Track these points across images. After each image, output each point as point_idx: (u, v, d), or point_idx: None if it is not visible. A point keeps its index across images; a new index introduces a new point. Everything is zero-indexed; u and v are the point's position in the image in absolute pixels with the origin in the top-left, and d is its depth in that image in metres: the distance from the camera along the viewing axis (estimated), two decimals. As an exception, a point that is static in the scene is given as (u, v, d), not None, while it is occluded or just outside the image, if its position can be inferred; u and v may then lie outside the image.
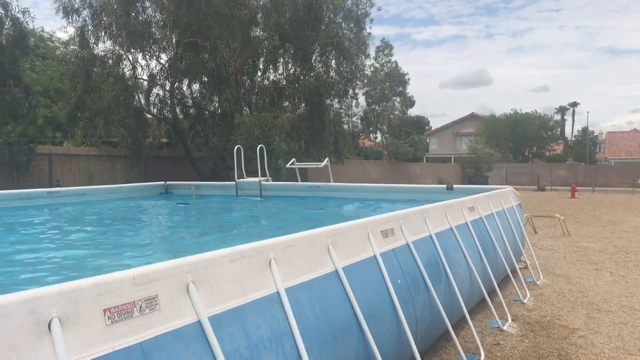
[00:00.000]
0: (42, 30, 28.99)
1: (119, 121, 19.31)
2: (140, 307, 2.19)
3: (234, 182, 11.66)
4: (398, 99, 43.57)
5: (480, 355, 4.93)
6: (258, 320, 2.72)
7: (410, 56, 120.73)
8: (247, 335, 2.62)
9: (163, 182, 12.61)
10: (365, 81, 30.24)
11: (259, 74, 21.29)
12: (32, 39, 27.66)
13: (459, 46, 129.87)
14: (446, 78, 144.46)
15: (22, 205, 9.47)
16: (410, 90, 46.54)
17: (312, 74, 20.85)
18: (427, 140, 62.50)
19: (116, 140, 21.36)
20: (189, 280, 2.44)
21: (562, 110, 77.50)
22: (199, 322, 2.40)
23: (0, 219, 8.13)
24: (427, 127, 62.88)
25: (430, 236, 5.17)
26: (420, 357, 4.68)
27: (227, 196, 11.74)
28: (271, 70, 21.07)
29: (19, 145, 16.58)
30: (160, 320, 2.25)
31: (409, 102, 44.97)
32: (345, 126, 23.53)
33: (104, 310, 2.05)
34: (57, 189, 12.23)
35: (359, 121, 25.45)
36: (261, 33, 19.86)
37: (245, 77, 20.64)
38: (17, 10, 15.56)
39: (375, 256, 4.04)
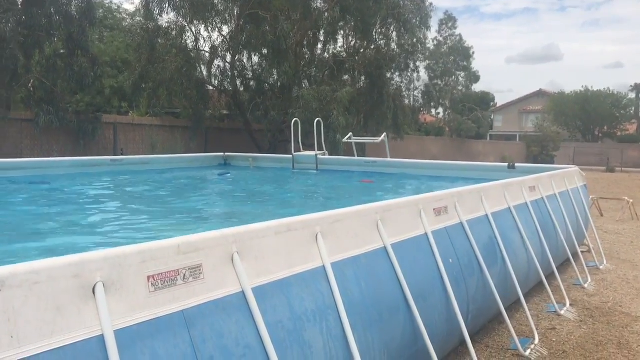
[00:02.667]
0: (111, 2, 29.75)
1: (181, 92, 19.69)
2: (184, 275, 2.21)
3: (290, 155, 11.71)
4: (462, 74, 42.51)
5: (534, 339, 4.79)
6: (302, 294, 2.71)
7: (477, 30, 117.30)
8: (291, 307, 2.61)
9: (222, 154, 12.82)
10: (428, 54, 29.58)
11: (319, 46, 21.17)
12: (100, 10, 28.54)
13: (529, 19, 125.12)
14: (514, 53, 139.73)
15: (87, 172, 9.83)
16: (475, 65, 45.30)
17: (372, 47, 20.58)
18: (492, 117, 60.76)
19: (178, 111, 21.82)
20: (234, 251, 2.44)
21: (637, 88, 73.52)
22: (243, 293, 2.41)
23: (66, 185, 8.46)
24: (492, 104, 61.06)
25: (487, 216, 5.02)
26: (471, 337, 4.62)
27: (284, 169, 11.82)
28: (331, 43, 20.90)
29: (86, 114, 17.20)
30: (203, 289, 2.26)
31: (474, 77, 43.80)
32: (406, 100, 23.15)
33: (148, 277, 2.08)
34: (120, 157, 12.65)
35: (420, 95, 25.00)
36: (322, 4, 19.68)
37: (305, 50, 20.57)
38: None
39: (426, 234, 3.95)
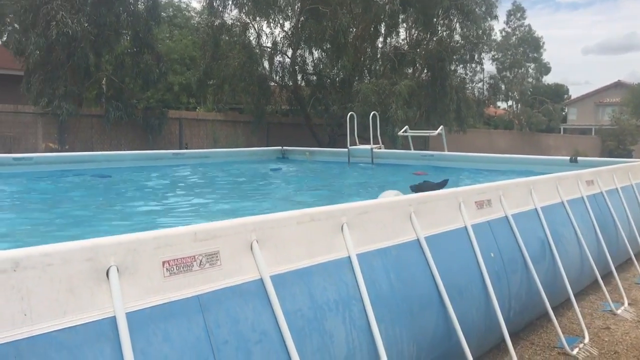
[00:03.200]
0: (180, 1, 30.66)
1: (243, 88, 20.04)
2: (201, 261, 2.26)
3: (346, 149, 11.71)
4: (532, 65, 41.11)
5: (584, 338, 4.60)
6: (325, 283, 2.72)
7: (552, 20, 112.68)
8: (312, 296, 2.62)
9: (280, 147, 12.99)
10: (494, 46, 28.77)
11: (380, 39, 21.02)
12: (170, 9, 29.49)
13: (608, 8, 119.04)
14: (591, 43, 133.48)
15: (150, 165, 10.18)
16: (549, 56, 43.72)
17: (434, 39, 20.21)
18: (565, 110, 58.40)
19: (242, 107, 22.25)
20: (253, 239, 2.48)
21: None
22: (261, 280, 2.44)
23: (128, 177, 8.81)
24: (565, 96, 58.73)
25: (536, 210, 4.85)
26: (516, 334, 4.50)
27: (340, 162, 11.84)
28: (392, 36, 20.70)
29: (153, 110, 17.83)
30: (220, 276, 2.31)
31: (544, 69, 42.29)
32: (470, 93, 22.61)
33: (163, 262, 2.14)
34: (182, 151, 13.03)
35: (485, 88, 24.39)
36: (383, -3, 19.53)
37: (366, 44, 20.46)
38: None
39: (465, 227, 3.86)
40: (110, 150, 15.39)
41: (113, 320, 1.93)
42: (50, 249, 1.86)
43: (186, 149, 16.72)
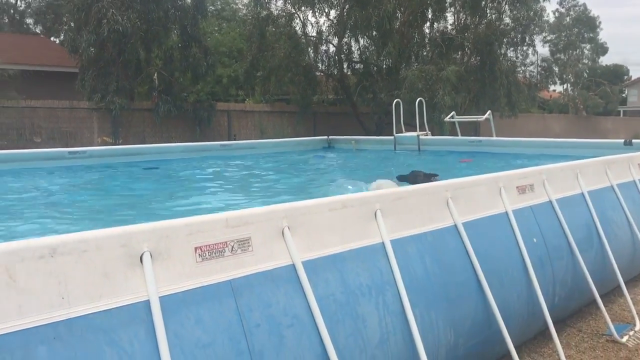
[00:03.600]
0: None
1: (289, 79, 20.14)
2: (232, 247, 2.32)
3: (392, 137, 11.63)
4: (587, 46, 39.66)
5: (634, 325, 4.45)
6: (358, 269, 2.74)
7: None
8: (344, 281, 2.65)
9: (326, 137, 13.00)
10: (547, 27, 27.89)
11: (427, 25, 20.68)
12: (217, 2, 29.87)
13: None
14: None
15: (198, 157, 10.38)
16: (604, 36, 42.05)
17: (483, 22, 19.75)
18: (625, 92, 56.03)
19: (289, 98, 22.39)
20: (284, 225, 2.51)
21: None
22: (293, 266, 2.48)
23: (177, 169, 9.02)
24: (625, 77, 56.34)
25: (582, 194, 4.71)
26: (562, 321, 4.40)
27: (386, 150, 11.76)
28: (440, 21, 20.34)
29: (202, 102, 18.17)
30: (252, 261, 2.36)
31: (601, 49, 40.73)
32: (521, 77, 22.00)
33: (195, 248, 2.21)
34: (230, 142, 13.24)
35: (536, 71, 23.68)
36: (429, -18, 19.21)
37: (413, 30, 20.18)
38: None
39: (506, 213, 3.80)
40: (161, 143, 15.79)
41: (147, 304, 2.00)
42: (86, 235, 1.95)
43: (235, 140, 16.97)
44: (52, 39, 29.21)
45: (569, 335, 4.28)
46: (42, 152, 8.60)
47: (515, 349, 3.34)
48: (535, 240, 3.90)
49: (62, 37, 21.24)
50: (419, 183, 5.43)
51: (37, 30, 32.54)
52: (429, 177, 5.72)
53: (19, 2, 32.27)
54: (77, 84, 16.26)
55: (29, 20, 33.10)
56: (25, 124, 15.12)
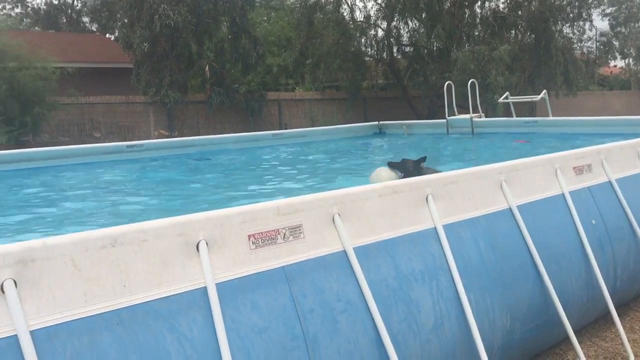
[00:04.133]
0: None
1: (338, 65, 20.09)
2: (284, 234, 2.36)
3: (444, 120, 11.45)
4: (650, 18, 37.68)
5: None
6: (410, 254, 2.73)
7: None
8: (397, 267, 2.65)
9: (376, 123, 12.93)
10: (605, 0, 26.73)
11: (478, 4, 20.18)
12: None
13: None
14: None
15: (251, 147, 10.52)
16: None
17: (537, -2, 19.13)
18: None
19: (338, 84, 22.35)
20: (335, 212, 2.53)
21: None
22: (344, 252, 2.50)
23: (228, 159, 9.19)
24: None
25: (645, 173, 4.53)
26: (625, 305, 4.27)
27: (438, 134, 11.60)
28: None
29: (253, 93, 18.37)
30: (304, 248, 2.40)
31: (665, 21, 38.61)
32: (578, 53, 21.23)
33: (249, 236, 2.26)
34: (281, 131, 13.34)
35: (595, 46, 22.76)
36: (479, -40, 18.73)
37: (463, 10, 19.75)
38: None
39: (563, 194, 3.70)
40: (215, 134, 16.08)
41: (204, 290, 2.07)
42: (145, 225, 2.03)
43: (285, 129, 17.11)
44: (107, 36, 30.11)
45: (633, 319, 4.14)
46: (102, 147, 8.91)
47: (575, 333, 3.27)
48: (594, 221, 3.79)
49: (116, 33, 21.89)
50: (409, 171, 5.54)
51: (93, 28, 33.63)
52: (418, 164, 5.69)
53: (75, 2, 33.40)
54: (132, 79, 16.72)
55: (85, 19, 34.24)
56: (85, 119, 15.70)
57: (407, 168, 5.66)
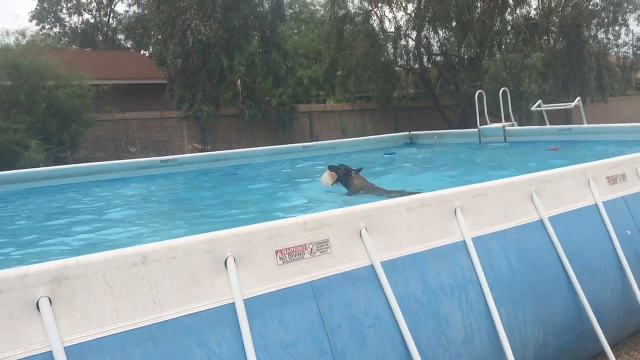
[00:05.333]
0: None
1: (369, 76, 20.12)
2: (311, 249, 2.38)
3: (476, 129, 11.34)
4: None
5: None
6: (438, 268, 2.72)
7: None
8: (425, 281, 2.64)
9: (407, 133, 12.87)
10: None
11: (509, 11, 19.97)
12: (296, 5, 30.33)
13: None
14: None
15: (282, 159, 10.58)
16: None
17: (570, 4, 18.82)
18: None
19: (369, 95, 22.36)
20: (362, 227, 2.54)
21: None
22: (371, 266, 2.50)
23: (262, 170, 9.26)
24: None
25: (683, 181, 4.41)
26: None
27: (470, 144, 11.48)
28: (522, 6, 19.56)
29: (284, 106, 18.53)
30: (331, 263, 2.41)
31: None
32: (613, 58, 20.80)
33: (276, 252, 2.29)
34: (311, 143, 13.40)
35: (632, 51, 22.30)
36: (509, -33, 18.58)
37: (494, 18, 19.58)
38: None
39: (596, 205, 3.63)
40: (247, 147, 16.24)
41: (232, 306, 2.10)
42: (174, 243, 2.07)
43: (316, 140, 17.17)
44: (141, 52, 30.80)
45: (673, 333, 4.03)
46: (137, 162, 9.09)
47: (611, 347, 3.20)
48: (629, 232, 3.71)
49: (150, 50, 22.40)
50: (340, 176, 5.94)
51: (128, 45, 34.45)
52: (349, 171, 5.98)
53: (111, 20, 34.29)
54: (166, 94, 17.05)
55: (120, 36, 35.10)
56: (120, 135, 16.05)
57: (339, 173, 6.00)
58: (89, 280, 1.86)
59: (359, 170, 6.06)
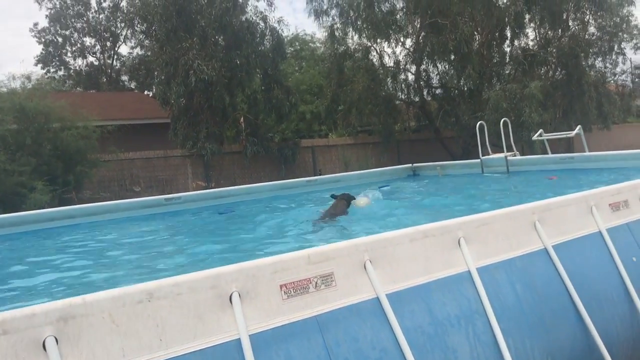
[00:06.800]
0: (305, 34, 31.96)
1: (370, 110, 20.32)
2: (316, 283, 2.38)
3: (478, 160, 11.38)
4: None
5: None
6: (444, 299, 2.72)
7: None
8: (431, 312, 2.63)
9: (410, 165, 12.91)
10: (635, 33, 26.54)
11: (507, 43, 20.27)
12: (296, 43, 30.83)
13: None
14: None
15: (285, 194, 10.58)
16: None
17: (566, 35, 19.10)
18: None
19: (371, 129, 22.53)
20: (366, 259, 2.55)
21: None
22: (377, 299, 2.50)
23: (264, 207, 9.25)
24: None
25: (686, 207, 4.41)
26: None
27: (473, 174, 11.51)
28: (520, 38, 19.86)
29: (286, 141, 18.67)
30: (336, 296, 2.41)
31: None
32: (612, 86, 21.00)
33: (281, 286, 2.29)
34: (315, 177, 13.43)
35: (630, 78, 22.54)
36: (505, 0, 18.88)
37: (492, 50, 19.86)
38: (273, 20, 17.51)
39: (600, 232, 3.63)
40: (250, 183, 16.28)
41: (238, 342, 2.10)
42: (179, 279, 2.09)
43: (320, 175, 17.23)
44: (145, 92, 31.20)
45: (685, 360, 3.97)
46: (141, 201, 9.11)
47: (622, 376, 3.16)
48: (634, 259, 3.70)
49: (154, 90, 22.77)
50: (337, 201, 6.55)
51: (132, 86, 34.92)
52: (341, 196, 6.71)
53: (114, 62, 34.84)
54: (169, 133, 17.20)
55: (124, 78, 35.61)
56: (124, 175, 16.14)
57: (335, 198, 6.74)
58: (95, 318, 1.87)
59: (352, 197, 6.73)
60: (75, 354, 1.81)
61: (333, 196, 6.83)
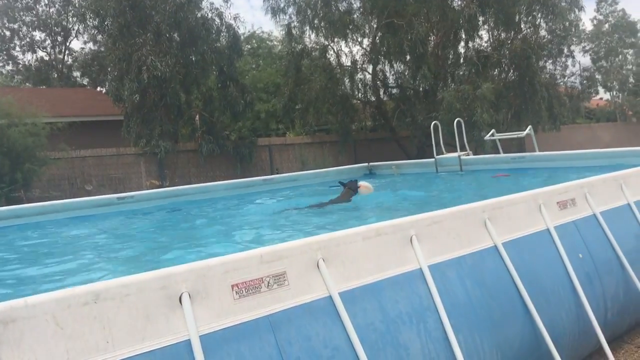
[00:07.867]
0: (262, 32, 31.80)
1: (327, 109, 20.38)
2: (268, 282, 2.37)
3: (433, 159, 11.55)
4: (630, 51, 38.57)
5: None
6: (396, 297, 2.74)
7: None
8: (383, 310, 2.65)
9: (366, 164, 13.00)
10: (585, 36, 27.44)
11: (462, 44, 20.63)
12: (253, 41, 30.63)
13: None
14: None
15: (243, 193, 10.48)
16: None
17: (519, 37, 19.57)
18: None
19: (328, 127, 22.59)
20: (319, 258, 2.55)
21: None
22: (330, 297, 2.51)
23: (222, 206, 9.16)
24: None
25: (629, 205, 4.58)
26: (619, 337, 4.25)
27: (427, 173, 11.67)
28: (474, 39, 20.23)
29: (243, 140, 18.53)
30: (288, 295, 2.40)
31: (645, 53, 39.46)
32: (562, 88, 21.64)
33: (232, 286, 2.27)
34: (271, 176, 13.37)
35: (578, 81, 23.30)
36: (459, 2, 19.21)
37: (447, 51, 20.18)
38: (229, 17, 17.37)
39: (548, 230, 3.73)
40: (206, 182, 16.10)
41: (188, 343, 2.07)
42: (127, 280, 2.04)
43: (277, 174, 17.17)
44: (98, 89, 30.46)
45: (627, 352, 4.12)
46: (93, 200, 8.87)
47: (569, 370, 3.25)
48: (581, 255, 3.81)
49: (106, 86, 22.22)
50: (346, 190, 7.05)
51: (84, 82, 34.02)
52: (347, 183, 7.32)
53: (66, 57, 33.88)
54: (122, 130, 16.84)
55: (76, 74, 34.66)
56: (76, 173, 15.72)
57: (344, 186, 7.37)
58: (37, 321, 1.81)
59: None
60: (16, 358, 1.74)
61: (341, 183, 7.35)
